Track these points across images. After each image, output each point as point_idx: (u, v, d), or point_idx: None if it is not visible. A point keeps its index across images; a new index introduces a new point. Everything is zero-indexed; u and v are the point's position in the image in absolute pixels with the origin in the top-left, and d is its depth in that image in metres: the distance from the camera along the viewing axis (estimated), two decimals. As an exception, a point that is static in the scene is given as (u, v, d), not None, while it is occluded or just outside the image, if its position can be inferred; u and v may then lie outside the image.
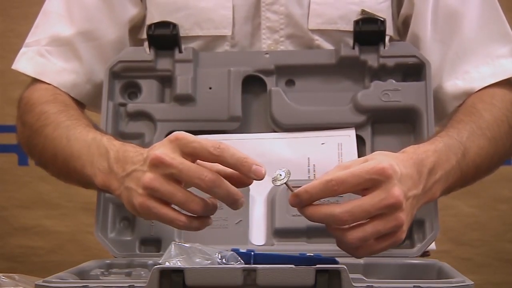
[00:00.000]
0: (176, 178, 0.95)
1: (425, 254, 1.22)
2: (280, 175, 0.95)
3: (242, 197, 0.96)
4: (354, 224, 0.95)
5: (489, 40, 1.23)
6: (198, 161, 0.96)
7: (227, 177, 0.95)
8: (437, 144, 1.07)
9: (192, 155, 0.95)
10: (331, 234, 0.98)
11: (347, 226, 0.96)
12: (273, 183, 0.95)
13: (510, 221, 2.46)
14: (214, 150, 0.94)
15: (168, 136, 0.97)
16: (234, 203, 0.96)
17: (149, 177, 0.95)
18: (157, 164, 0.95)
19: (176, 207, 0.97)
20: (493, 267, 2.45)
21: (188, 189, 0.96)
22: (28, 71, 1.27)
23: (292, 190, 0.96)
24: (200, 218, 0.98)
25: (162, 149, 0.96)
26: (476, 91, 1.21)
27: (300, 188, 0.96)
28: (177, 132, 0.97)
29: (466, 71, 1.22)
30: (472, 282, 0.87)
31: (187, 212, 0.97)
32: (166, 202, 0.96)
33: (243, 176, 0.95)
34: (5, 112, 2.43)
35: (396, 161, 0.98)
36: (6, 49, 2.38)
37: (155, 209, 0.96)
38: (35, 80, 1.27)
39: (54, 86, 1.25)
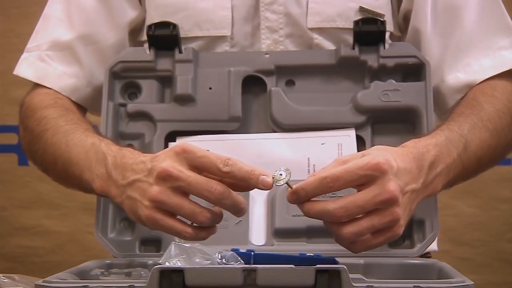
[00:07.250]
0: (183, 190, 0.95)
1: (426, 255, 1.22)
2: (281, 174, 0.95)
3: (246, 205, 0.97)
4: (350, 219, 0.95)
5: (490, 32, 1.23)
6: None
7: (230, 183, 0.96)
8: (438, 138, 1.07)
9: (200, 169, 0.95)
10: (329, 230, 0.98)
11: (343, 220, 0.96)
12: (274, 183, 0.95)
13: (510, 221, 2.46)
14: (224, 167, 0.94)
15: (174, 147, 0.97)
16: (239, 212, 0.97)
17: (156, 190, 0.95)
18: (164, 177, 0.95)
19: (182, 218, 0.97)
20: (493, 267, 2.45)
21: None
22: (29, 76, 1.27)
23: (292, 188, 0.96)
24: (206, 229, 0.98)
25: (169, 162, 0.95)
26: (477, 84, 1.21)
27: (297, 185, 0.96)
28: (183, 144, 0.97)
29: (467, 64, 1.22)
30: (472, 282, 0.87)
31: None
32: (173, 214, 0.97)
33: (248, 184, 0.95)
34: (5, 112, 2.43)
35: (394, 155, 0.98)
36: (6, 49, 2.38)
37: (162, 221, 0.96)
38: (36, 85, 1.27)
39: (55, 91, 1.25)
